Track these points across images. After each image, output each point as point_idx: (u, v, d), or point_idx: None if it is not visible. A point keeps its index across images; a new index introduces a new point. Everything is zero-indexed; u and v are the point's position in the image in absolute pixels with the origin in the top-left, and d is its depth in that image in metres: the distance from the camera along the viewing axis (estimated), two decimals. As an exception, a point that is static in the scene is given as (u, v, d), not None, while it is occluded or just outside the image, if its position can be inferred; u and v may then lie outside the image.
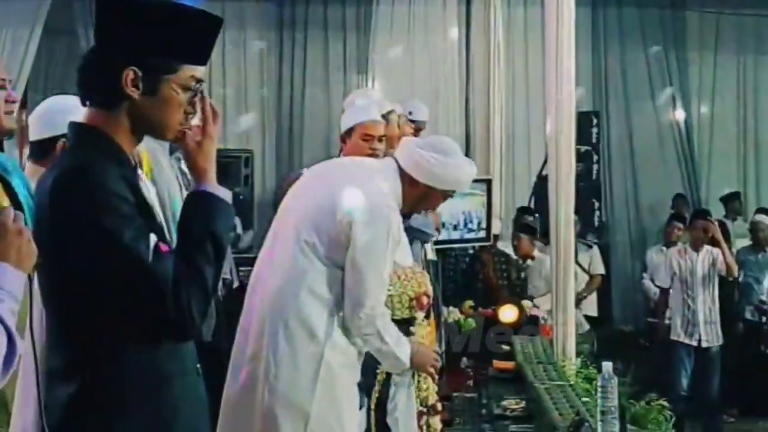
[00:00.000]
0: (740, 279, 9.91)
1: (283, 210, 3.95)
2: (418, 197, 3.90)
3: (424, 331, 4.32)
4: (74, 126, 2.54)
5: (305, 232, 3.73)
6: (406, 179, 3.84)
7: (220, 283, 5.12)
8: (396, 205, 3.78)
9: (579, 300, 8.76)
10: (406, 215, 3.94)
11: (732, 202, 11.75)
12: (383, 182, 3.82)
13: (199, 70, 2.53)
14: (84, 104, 2.53)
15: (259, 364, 3.76)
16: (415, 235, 6.06)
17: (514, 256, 9.07)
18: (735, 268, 8.97)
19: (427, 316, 4.32)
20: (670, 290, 9.00)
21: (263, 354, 3.75)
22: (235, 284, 5.26)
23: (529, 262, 8.85)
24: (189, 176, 2.59)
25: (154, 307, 2.36)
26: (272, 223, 3.98)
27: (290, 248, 3.76)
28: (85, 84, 2.52)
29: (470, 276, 9.08)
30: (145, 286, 2.35)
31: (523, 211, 9.90)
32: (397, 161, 3.90)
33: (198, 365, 2.63)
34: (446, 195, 4.02)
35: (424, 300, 4.19)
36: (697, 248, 8.86)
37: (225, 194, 2.51)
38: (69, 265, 2.37)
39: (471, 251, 9.17)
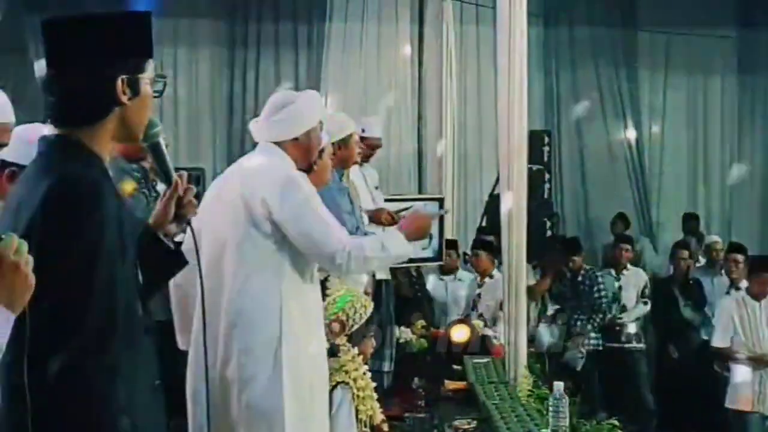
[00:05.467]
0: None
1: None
2: (304, 149, 4.07)
3: (355, 365, 4.30)
4: (52, 138, 2.48)
5: (232, 239, 3.82)
6: (285, 147, 4.03)
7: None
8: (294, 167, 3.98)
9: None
10: (307, 169, 4.09)
11: (689, 222, 11.74)
12: (274, 160, 4.00)
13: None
14: (58, 125, 2.47)
15: (226, 381, 3.76)
16: None
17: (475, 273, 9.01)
18: None
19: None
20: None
21: (222, 372, 3.76)
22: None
23: (486, 279, 8.79)
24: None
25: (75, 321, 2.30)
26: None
27: (225, 256, 3.83)
28: (68, 104, 2.46)
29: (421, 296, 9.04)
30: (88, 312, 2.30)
31: (480, 231, 9.87)
32: (269, 142, 4.08)
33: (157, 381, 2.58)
34: (318, 129, 4.15)
35: (336, 326, 4.25)
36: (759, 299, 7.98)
37: None
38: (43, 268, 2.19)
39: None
